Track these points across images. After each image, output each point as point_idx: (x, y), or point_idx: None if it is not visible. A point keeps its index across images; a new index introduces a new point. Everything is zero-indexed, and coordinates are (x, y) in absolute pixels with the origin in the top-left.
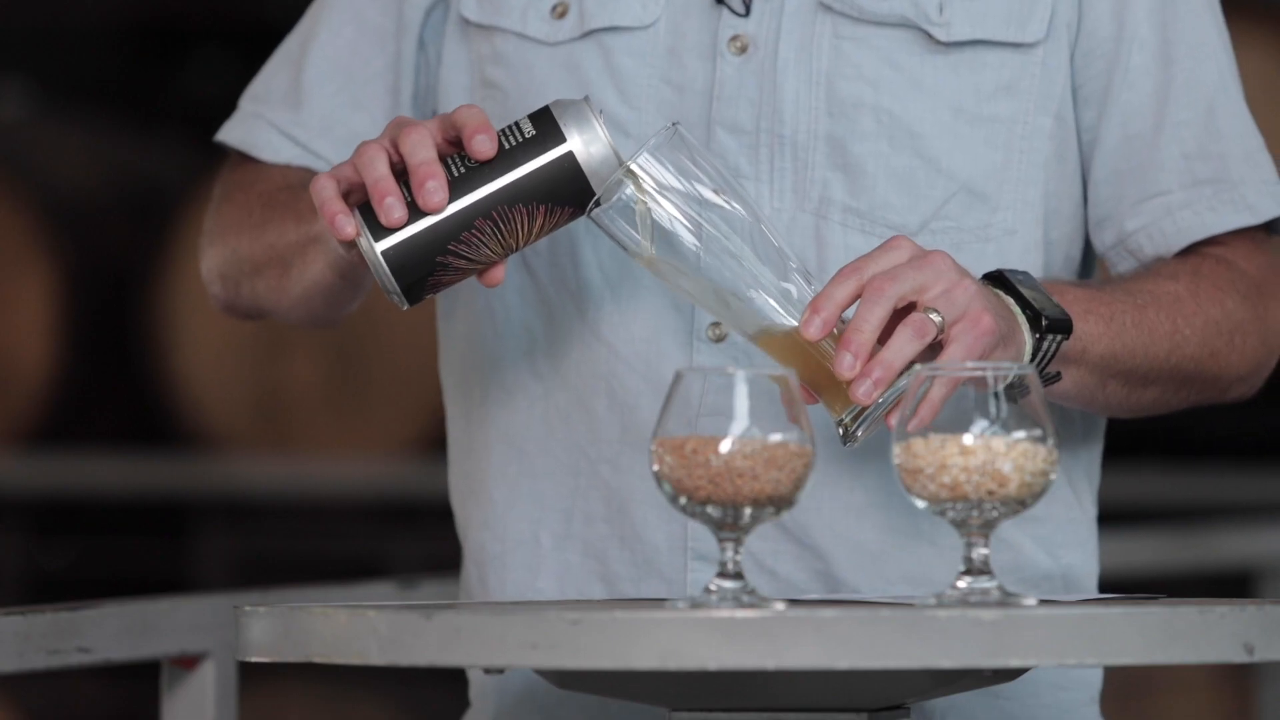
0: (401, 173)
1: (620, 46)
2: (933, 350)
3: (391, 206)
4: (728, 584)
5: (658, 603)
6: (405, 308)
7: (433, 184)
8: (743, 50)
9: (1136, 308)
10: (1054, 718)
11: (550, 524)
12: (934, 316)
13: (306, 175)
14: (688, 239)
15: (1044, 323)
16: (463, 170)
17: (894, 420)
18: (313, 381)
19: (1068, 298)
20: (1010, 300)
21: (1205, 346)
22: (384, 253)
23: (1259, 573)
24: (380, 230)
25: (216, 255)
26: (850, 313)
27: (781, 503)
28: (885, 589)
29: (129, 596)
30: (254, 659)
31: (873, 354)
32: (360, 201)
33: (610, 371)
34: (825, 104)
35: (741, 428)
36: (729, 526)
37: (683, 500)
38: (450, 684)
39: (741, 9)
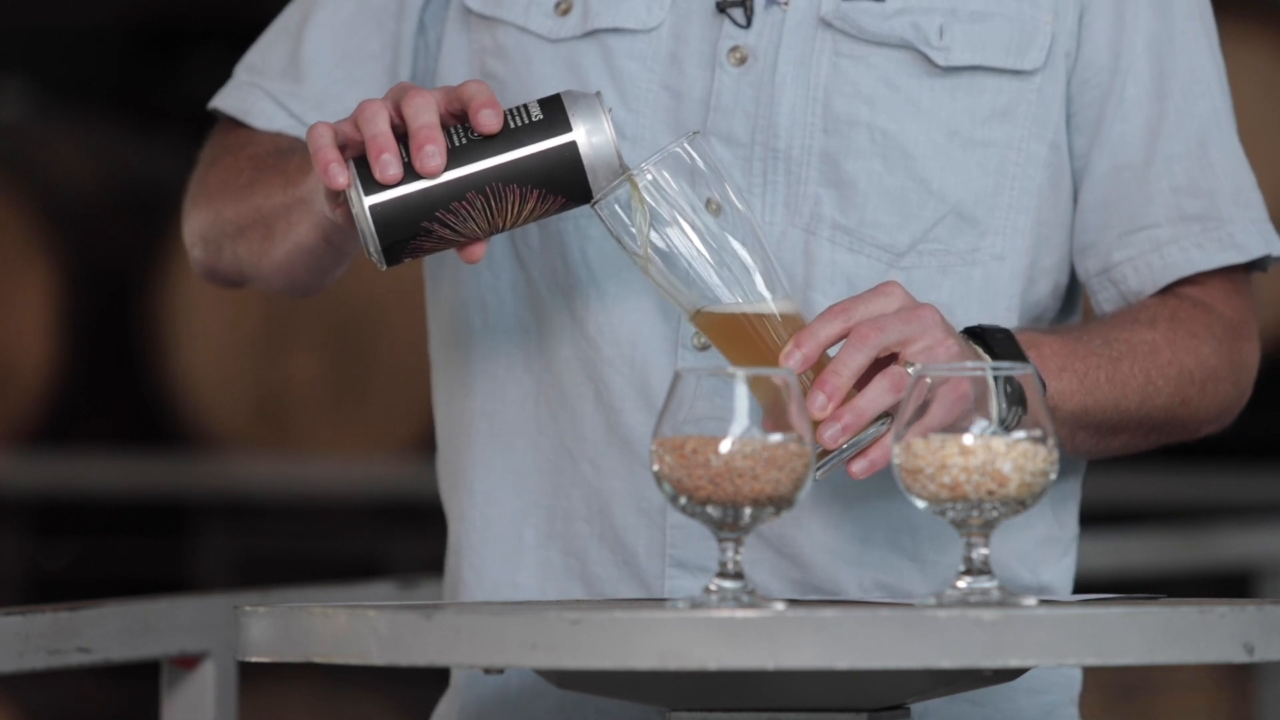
0: (401, 136)
1: (622, 48)
2: None
3: (387, 162)
4: (728, 584)
5: (658, 603)
6: (383, 268)
7: (431, 148)
8: (742, 61)
9: (1111, 361)
10: None
11: (534, 519)
12: (912, 371)
13: (297, 143)
14: (682, 247)
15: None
16: (463, 141)
17: (856, 468)
18: (313, 381)
19: (1044, 352)
20: (989, 360)
21: (1177, 395)
22: (372, 207)
23: (1259, 573)
24: (372, 185)
25: (200, 217)
26: (832, 352)
27: (781, 503)
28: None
29: (129, 596)
30: (254, 659)
31: (847, 399)
32: (355, 156)
33: (597, 373)
34: (821, 120)
35: (741, 428)
36: (729, 526)
37: (683, 500)
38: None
39: (743, 20)
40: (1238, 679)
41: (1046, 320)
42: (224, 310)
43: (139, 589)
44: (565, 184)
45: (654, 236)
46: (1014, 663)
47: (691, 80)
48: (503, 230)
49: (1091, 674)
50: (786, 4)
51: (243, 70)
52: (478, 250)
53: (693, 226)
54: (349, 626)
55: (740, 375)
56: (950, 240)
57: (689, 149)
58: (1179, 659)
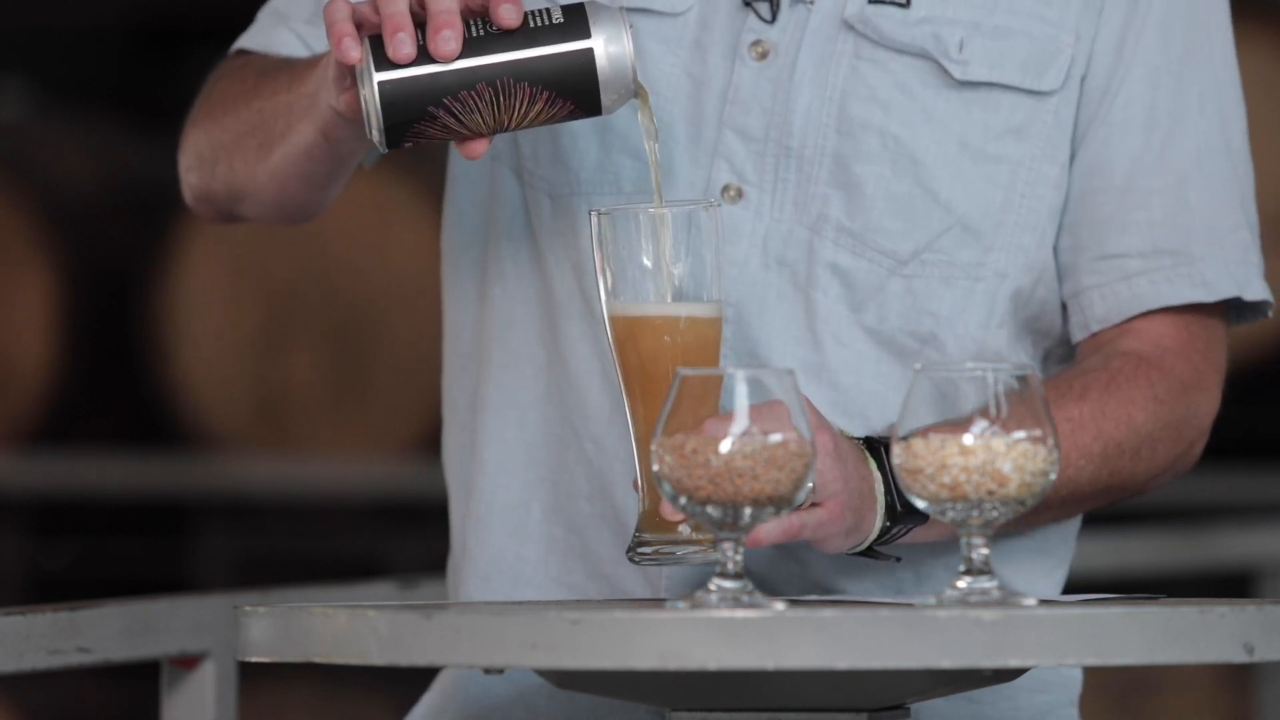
0: (420, 23)
1: (649, 30)
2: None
3: (402, 41)
4: (728, 584)
5: (657, 603)
6: (384, 150)
7: (448, 32)
8: (763, 56)
9: None
10: None
11: (540, 493)
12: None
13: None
14: (631, 263)
15: (895, 523)
16: (481, 33)
17: (761, 532)
18: (313, 381)
19: None
20: (881, 492)
21: (1103, 469)
22: (381, 83)
23: (1259, 573)
24: (383, 63)
25: (200, 134)
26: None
27: (781, 502)
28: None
29: (129, 596)
30: (254, 659)
31: None
32: (371, 35)
33: (603, 352)
34: (835, 121)
35: (741, 428)
36: (729, 526)
37: (683, 500)
38: None
39: (768, 15)
40: (1238, 679)
41: (1053, 335)
42: (224, 310)
43: (139, 589)
44: (576, 91)
45: (615, 259)
46: (1014, 663)
47: (713, 70)
48: (507, 129)
49: (1091, 674)
50: (812, 3)
51: (266, 14)
52: (478, 146)
53: (655, 261)
54: (349, 626)
55: (741, 375)
56: (954, 252)
57: (701, 213)
58: (1179, 659)
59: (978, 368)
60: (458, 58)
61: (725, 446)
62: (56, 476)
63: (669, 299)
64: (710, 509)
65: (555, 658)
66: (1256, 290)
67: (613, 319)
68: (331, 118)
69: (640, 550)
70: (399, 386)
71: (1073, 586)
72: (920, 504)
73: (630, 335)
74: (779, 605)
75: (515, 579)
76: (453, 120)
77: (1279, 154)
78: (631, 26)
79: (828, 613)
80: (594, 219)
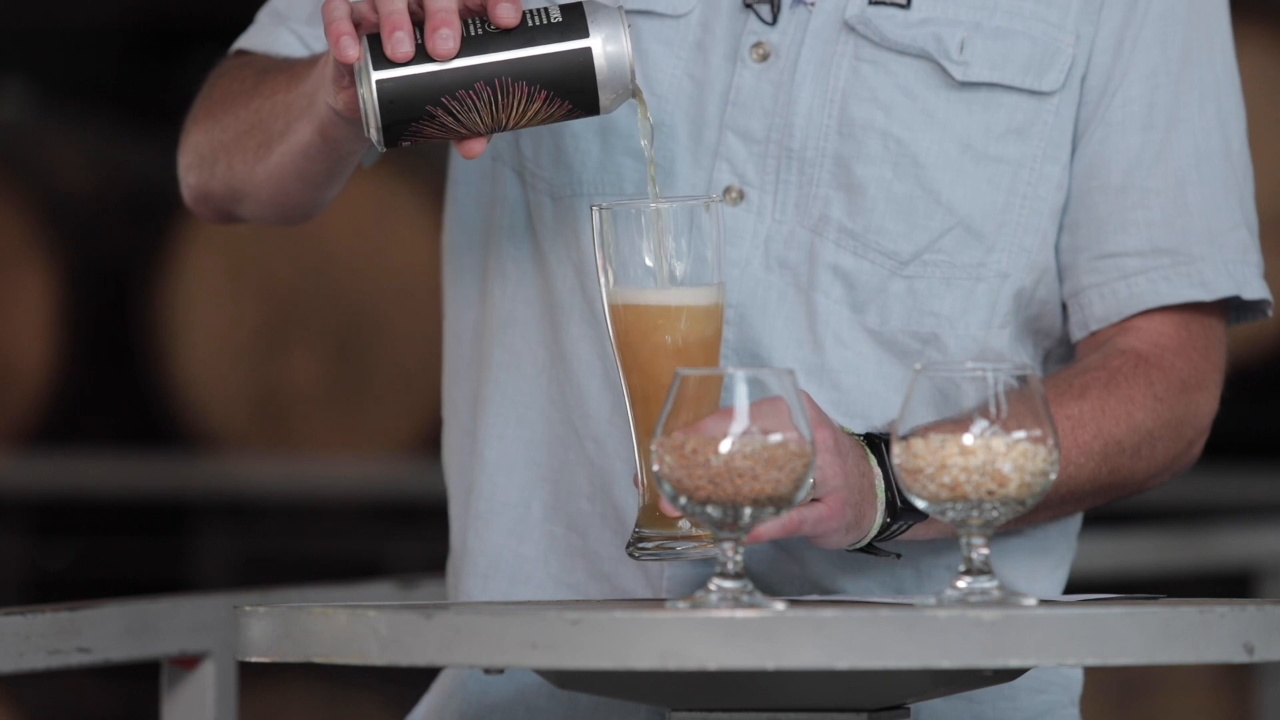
0: (419, 23)
1: (651, 31)
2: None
3: (401, 40)
4: (728, 584)
5: (657, 603)
6: (382, 149)
7: (447, 31)
8: (764, 58)
9: None
10: None
11: (541, 492)
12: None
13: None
14: (633, 256)
15: (895, 520)
16: (479, 32)
17: (762, 529)
18: (313, 381)
19: None
20: (881, 489)
21: (1104, 467)
22: (379, 82)
23: (1259, 573)
24: (382, 61)
25: (199, 133)
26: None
27: (781, 502)
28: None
29: (129, 596)
30: (254, 659)
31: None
32: (369, 34)
33: (604, 352)
34: (836, 123)
35: (741, 427)
36: (729, 526)
37: (683, 500)
38: None
39: (768, 17)
40: (1238, 679)
41: (1054, 335)
42: (224, 310)
43: (139, 589)
44: (574, 91)
45: (617, 251)
46: (1014, 663)
47: (714, 71)
48: (505, 128)
49: (1091, 674)
50: (813, 4)
51: (265, 15)
52: (476, 146)
53: (656, 256)
54: (349, 626)
55: (741, 376)
56: (956, 253)
57: (701, 209)
58: (1179, 659)
59: (978, 367)
60: (456, 57)
61: (725, 446)
62: (56, 476)
63: (669, 289)
64: (710, 509)
65: (555, 658)
66: (1255, 289)
67: (613, 308)
68: (330, 117)
69: (640, 546)
70: (399, 387)
71: (1073, 586)
72: (920, 504)
73: (630, 324)
74: (779, 605)
75: (514, 577)
76: (451, 119)
77: (1279, 154)
78: (630, 26)
79: (828, 613)
80: (595, 214)
